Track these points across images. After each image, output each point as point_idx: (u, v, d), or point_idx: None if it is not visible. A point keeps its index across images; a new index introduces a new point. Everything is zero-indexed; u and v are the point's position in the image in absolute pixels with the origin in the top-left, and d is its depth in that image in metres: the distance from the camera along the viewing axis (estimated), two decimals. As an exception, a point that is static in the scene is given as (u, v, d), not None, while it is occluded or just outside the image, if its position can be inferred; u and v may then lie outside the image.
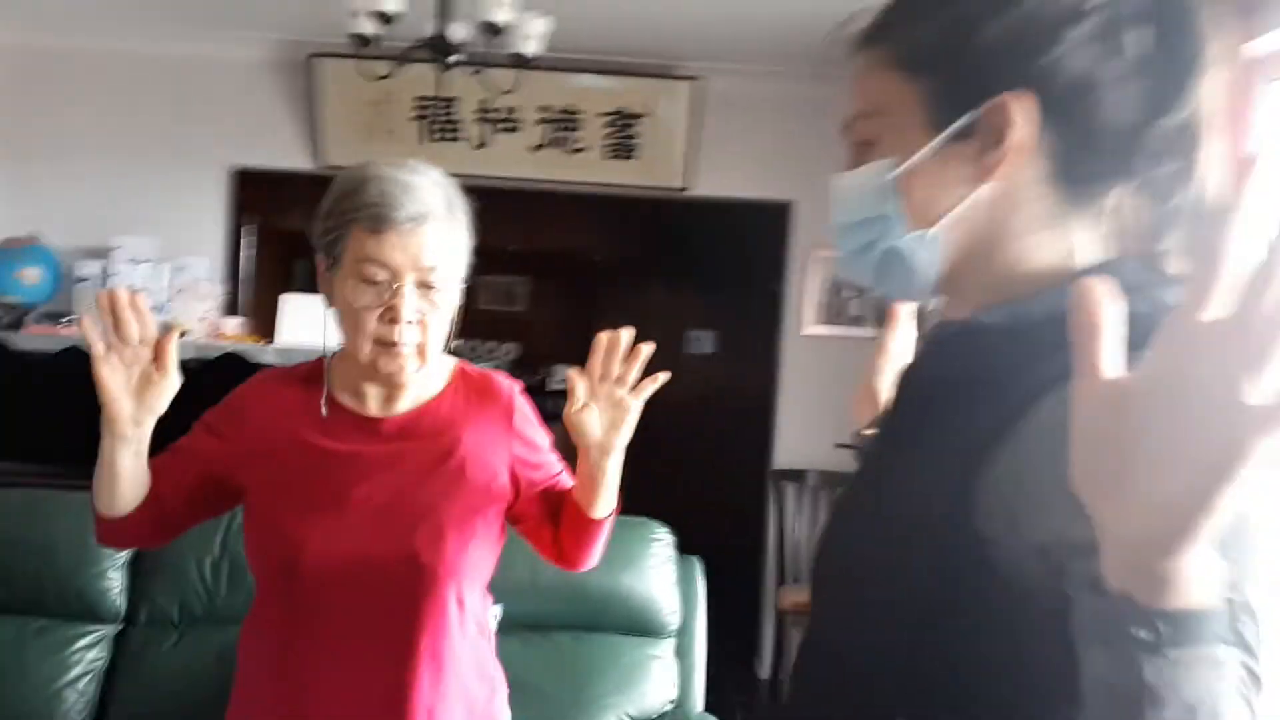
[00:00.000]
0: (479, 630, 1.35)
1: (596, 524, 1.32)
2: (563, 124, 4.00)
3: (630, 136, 4.00)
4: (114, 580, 2.12)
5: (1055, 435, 0.53)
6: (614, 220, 5.56)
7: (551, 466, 1.41)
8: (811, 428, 4.01)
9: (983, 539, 0.61)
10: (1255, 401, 0.42)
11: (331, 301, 1.30)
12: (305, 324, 3.69)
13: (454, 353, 1.38)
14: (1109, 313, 0.47)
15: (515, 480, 1.35)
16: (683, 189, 4.04)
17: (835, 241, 0.77)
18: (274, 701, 1.28)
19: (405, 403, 1.32)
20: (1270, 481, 0.45)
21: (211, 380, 3.05)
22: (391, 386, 1.30)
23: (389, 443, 1.30)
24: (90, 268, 3.59)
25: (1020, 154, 0.68)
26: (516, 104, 3.83)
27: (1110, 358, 0.47)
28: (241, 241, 4.26)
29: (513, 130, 3.99)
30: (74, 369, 3.04)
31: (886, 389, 1.13)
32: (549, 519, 1.38)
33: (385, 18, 2.54)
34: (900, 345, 1.18)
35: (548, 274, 6.54)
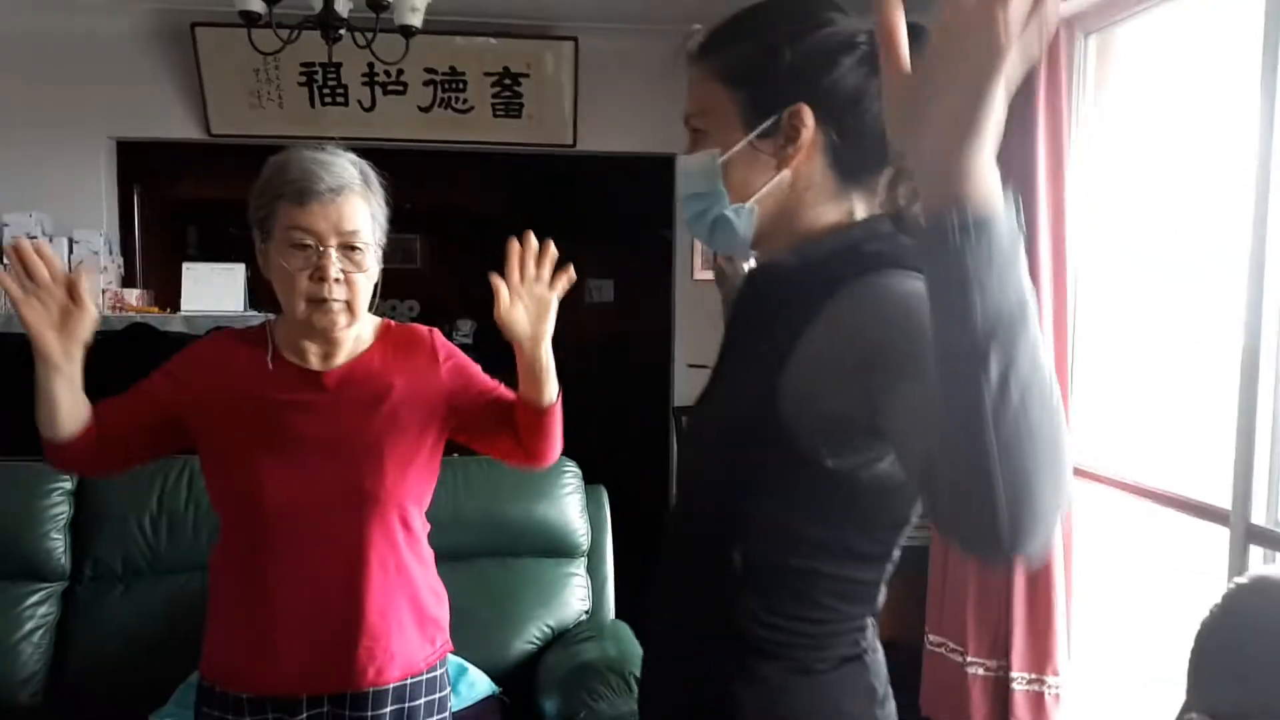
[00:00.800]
0: (421, 547, 1.55)
1: (548, 412, 1.51)
2: (449, 84, 4.11)
3: (517, 95, 4.14)
4: (57, 540, 2.25)
5: (831, 327, 0.81)
6: (506, 177, 5.68)
7: (486, 381, 1.60)
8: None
9: (781, 416, 0.86)
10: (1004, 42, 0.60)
11: (267, 271, 1.47)
12: (208, 291, 3.76)
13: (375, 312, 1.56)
14: (898, 19, 0.66)
15: (452, 407, 1.54)
16: (571, 145, 4.20)
17: (683, 208, 1.01)
18: (246, 617, 1.46)
19: (342, 357, 1.50)
20: None
21: (122, 350, 3.15)
22: (328, 343, 1.48)
23: (331, 391, 1.48)
24: (-11, 238, 3.58)
25: (810, 148, 0.93)
26: (402, 66, 3.93)
27: (904, 51, 0.66)
28: (135, 214, 4.27)
29: (400, 93, 4.09)
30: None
31: None
32: (503, 428, 1.55)
33: (272, -1, 2.63)
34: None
35: (444, 231, 6.61)
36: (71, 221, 3.82)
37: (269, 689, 1.45)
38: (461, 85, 4.10)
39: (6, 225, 3.63)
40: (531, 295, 1.46)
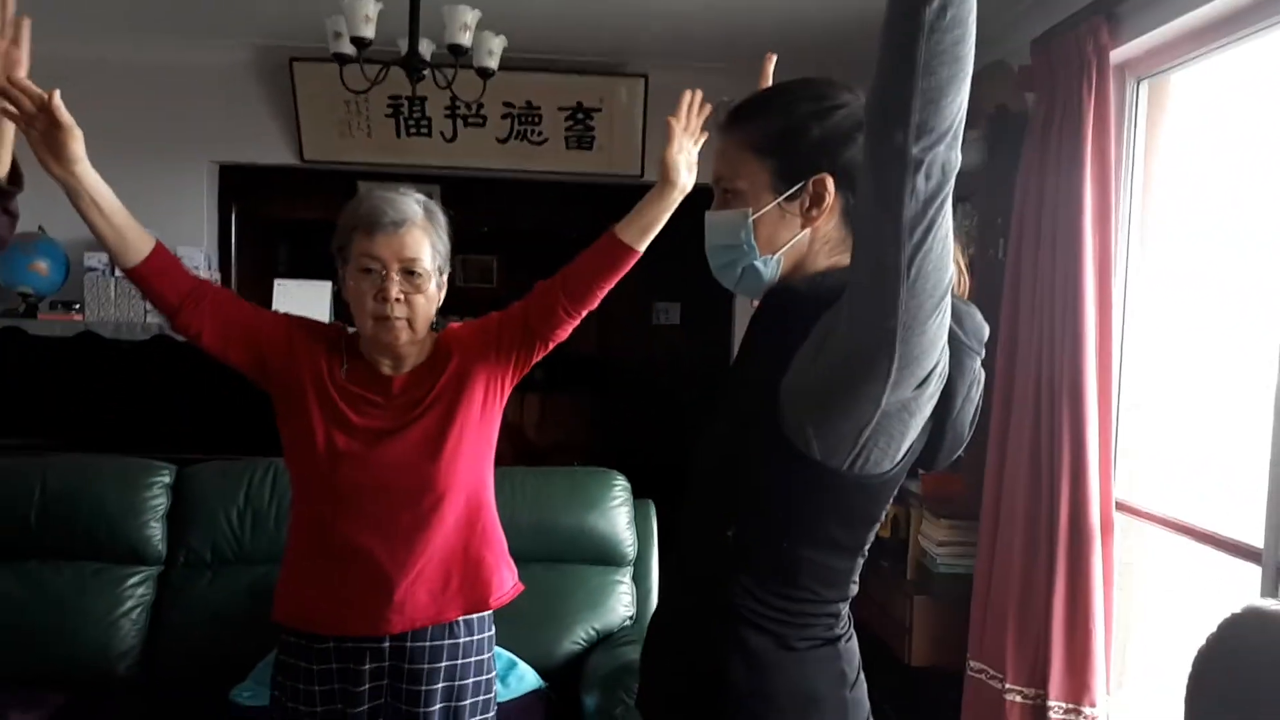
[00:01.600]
0: (481, 501, 1.75)
1: (633, 254, 1.74)
2: (525, 118, 4.33)
3: (589, 129, 4.34)
4: (155, 529, 2.49)
5: (812, 347, 1.00)
6: (578, 202, 5.89)
7: (498, 314, 1.80)
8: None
9: (781, 412, 1.03)
10: None
11: (346, 294, 1.68)
12: (296, 305, 4.00)
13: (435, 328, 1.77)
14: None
15: (493, 350, 1.74)
16: (640, 175, 4.38)
17: (710, 257, 1.17)
18: (320, 563, 1.68)
19: (408, 366, 1.71)
20: None
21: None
22: (395, 357, 1.68)
23: (400, 394, 1.69)
24: (96, 259, 3.89)
25: (829, 211, 1.08)
26: (482, 100, 4.15)
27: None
28: (232, 232, 4.58)
29: (480, 125, 4.31)
30: (86, 352, 3.38)
31: None
32: (553, 292, 1.76)
33: (363, 42, 2.86)
34: None
35: (518, 253, 6.84)
36: (175, 239, 4.10)
37: (332, 629, 1.66)
38: (537, 119, 4.31)
39: (118, 241, 3.93)
40: (686, 149, 1.70)
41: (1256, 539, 2.30)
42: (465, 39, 2.87)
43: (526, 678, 2.33)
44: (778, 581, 1.08)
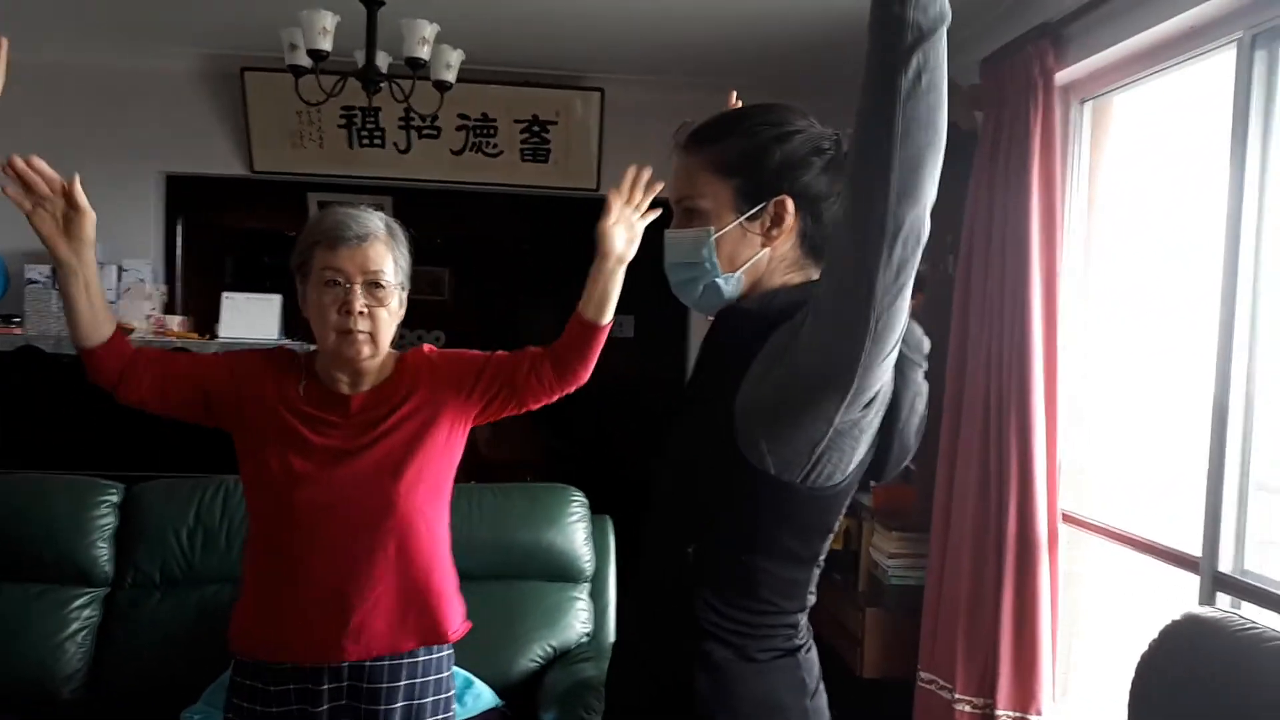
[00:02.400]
0: (434, 544, 1.74)
1: (601, 330, 1.73)
2: (481, 130, 4.32)
3: (544, 141, 4.34)
4: (103, 549, 2.44)
5: (765, 364, 1.02)
6: (532, 215, 5.88)
7: (482, 357, 1.79)
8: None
9: (735, 432, 1.05)
10: None
11: (305, 310, 1.67)
12: (244, 319, 3.96)
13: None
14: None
15: (466, 396, 1.73)
16: (595, 189, 4.39)
17: (669, 274, 1.18)
18: (272, 597, 1.66)
19: (368, 384, 1.69)
20: None
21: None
22: (356, 372, 1.67)
23: (355, 413, 1.67)
24: (37, 270, 3.80)
25: (788, 232, 1.10)
26: (437, 113, 4.13)
27: None
28: (179, 244, 4.50)
29: (435, 137, 4.30)
30: (27, 366, 3.31)
31: None
32: (524, 371, 1.74)
33: (319, 55, 2.83)
34: None
35: (471, 266, 6.82)
36: (121, 250, 4.03)
37: (289, 657, 1.64)
38: (492, 131, 4.30)
39: (61, 252, 3.84)
40: (627, 220, 1.69)
41: (1195, 548, 2.37)
42: (424, 52, 2.87)
43: (483, 696, 2.32)
44: (738, 594, 1.10)
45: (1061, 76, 2.87)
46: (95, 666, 2.37)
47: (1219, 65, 2.43)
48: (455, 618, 1.75)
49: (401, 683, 1.67)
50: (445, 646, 1.75)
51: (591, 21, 3.53)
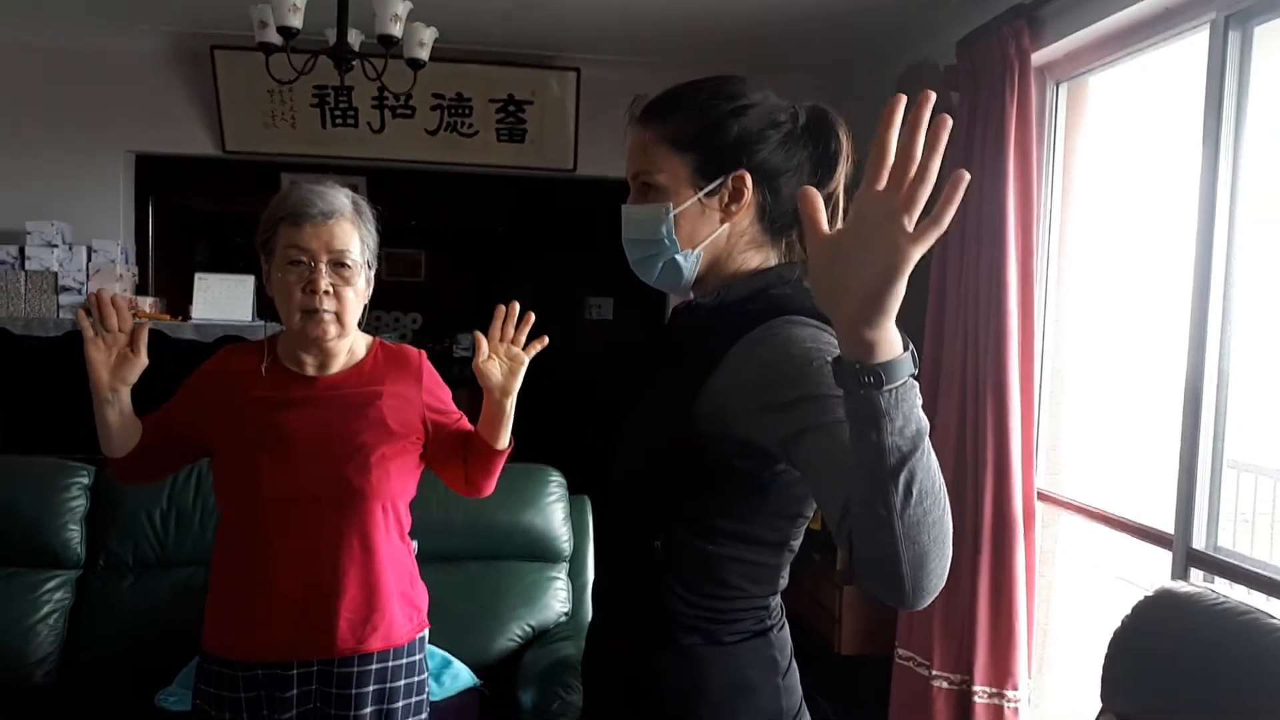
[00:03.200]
0: (401, 536, 1.72)
1: (499, 455, 1.72)
2: (456, 109, 4.28)
3: (520, 121, 4.31)
4: (74, 532, 2.40)
5: (740, 364, 0.99)
6: (509, 197, 5.85)
7: (454, 414, 1.79)
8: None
9: (698, 434, 1.04)
10: (909, 227, 0.75)
11: (270, 289, 1.64)
12: (217, 300, 3.92)
13: (366, 328, 1.74)
14: (820, 201, 0.81)
15: (426, 426, 1.72)
16: (572, 170, 4.37)
17: (627, 250, 1.17)
18: (242, 593, 1.63)
19: (336, 367, 1.67)
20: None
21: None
22: (323, 353, 1.65)
23: (322, 393, 1.65)
24: (6, 251, 3.74)
25: (747, 207, 1.09)
26: (411, 92, 4.09)
27: (824, 225, 0.81)
28: (150, 224, 4.44)
29: (409, 116, 4.25)
30: (-2, 349, 3.25)
31: None
32: (457, 457, 1.74)
33: (290, 32, 2.79)
34: None
35: (447, 248, 6.77)
36: (90, 231, 3.98)
37: (261, 656, 1.61)
38: (468, 110, 4.26)
39: (29, 234, 3.79)
40: (508, 354, 1.66)
41: (1169, 526, 2.40)
42: (396, 30, 2.83)
43: (461, 676, 2.32)
44: (708, 584, 1.09)
45: (1037, 57, 2.87)
46: (67, 650, 2.34)
47: (1193, 46, 2.45)
48: (412, 619, 1.72)
49: (373, 666, 1.65)
50: (419, 646, 1.74)
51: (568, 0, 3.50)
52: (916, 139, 0.73)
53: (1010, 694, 2.93)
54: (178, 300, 4.09)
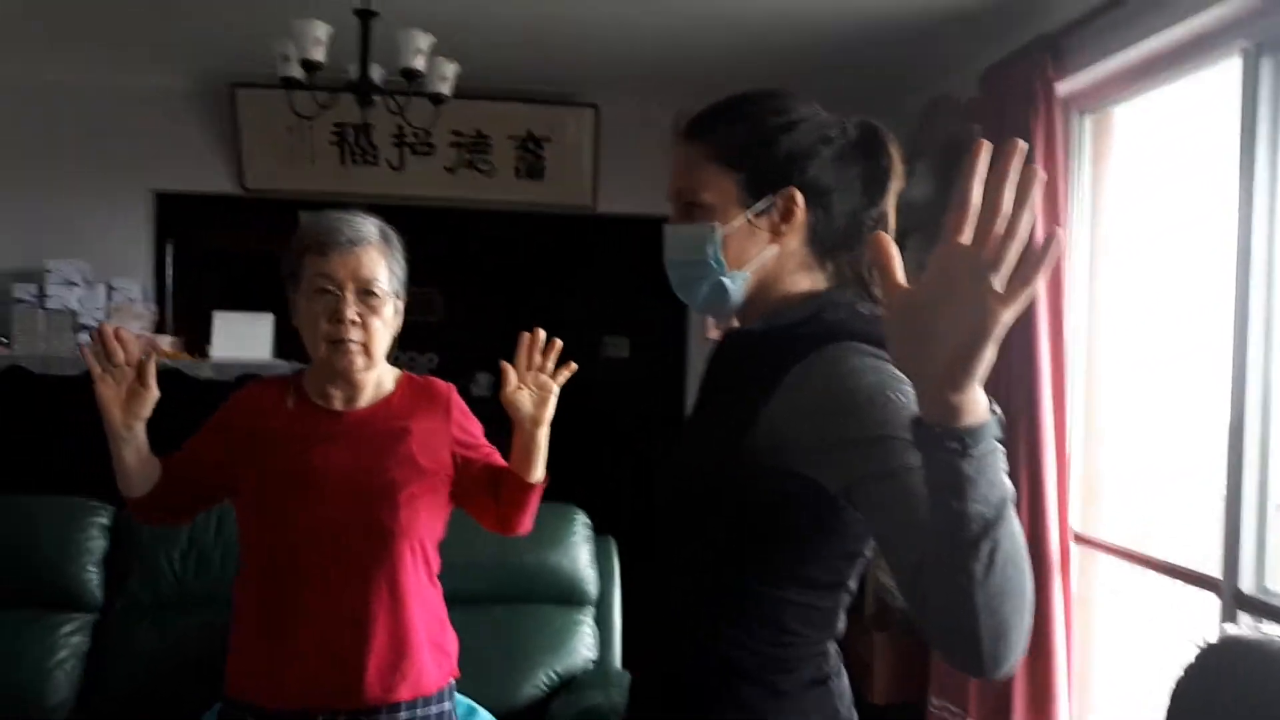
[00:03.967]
0: (430, 578, 1.65)
1: (533, 490, 1.64)
2: (475, 147, 4.28)
3: (539, 158, 4.30)
4: (92, 574, 2.35)
5: (796, 394, 0.95)
6: (527, 235, 5.83)
7: (484, 447, 1.72)
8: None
9: (752, 467, 0.99)
10: (998, 287, 0.70)
11: (296, 321, 1.60)
12: (236, 339, 3.88)
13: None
14: (894, 249, 0.76)
15: (456, 461, 1.66)
16: (591, 207, 4.35)
17: (670, 273, 1.12)
18: (266, 637, 1.57)
19: (363, 401, 1.62)
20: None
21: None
22: (350, 385, 1.60)
23: (351, 430, 1.60)
24: (26, 290, 3.73)
25: (798, 227, 1.04)
26: (430, 129, 4.10)
27: (900, 275, 0.76)
28: (167, 262, 4.43)
29: (428, 154, 4.25)
30: (14, 387, 3.23)
31: None
32: (488, 493, 1.68)
33: (313, 65, 2.79)
34: None
35: (465, 286, 6.74)
36: (110, 269, 3.97)
37: (285, 702, 1.55)
38: (487, 148, 4.27)
39: (49, 271, 3.78)
40: (536, 382, 1.60)
41: (1214, 568, 2.32)
42: (419, 63, 2.82)
43: (490, 727, 2.25)
44: (765, 628, 1.03)
45: (1062, 88, 2.84)
46: (85, 694, 2.28)
47: (1222, 75, 2.41)
48: (442, 666, 1.66)
49: (401, 716, 1.59)
50: (449, 694, 1.67)
51: (586, 37, 3.50)
52: (1004, 190, 0.68)
53: (1048, 744, 2.83)
54: (196, 339, 4.07)
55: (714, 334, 4.44)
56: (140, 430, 1.50)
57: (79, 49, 3.79)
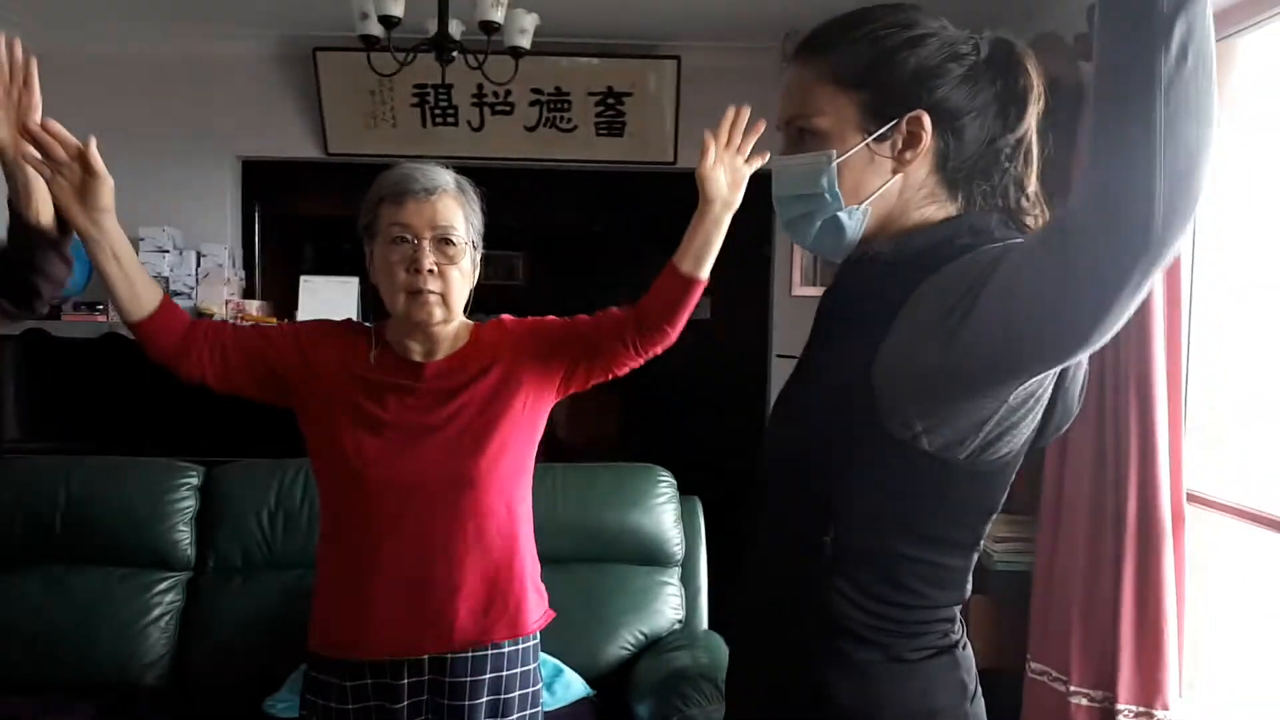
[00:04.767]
0: (516, 524, 1.61)
1: (696, 285, 1.59)
2: (555, 104, 4.22)
3: (619, 114, 4.22)
4: (184, 533, 2.39)
5: (918, 305, 0.86)
6: (608, 194, 5.77)
7: (560, 320, 1.66)
8: (801, 382, 4.27)
9: (875, 404, 0.89)
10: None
11: (373, 274, 1.56)
12: (323, 303, 3.92)
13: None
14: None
15: (550, 354, 1.61)
16: (672, 162, 4.26)
17: (778, 210, 1.03)
18: (349, 588, 1.56)
19: (442, 352, 1.58)
20: None
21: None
22: (429, 339, 1.56)
23: (430, 380, 1.57)
24: (119, 258, 3.80)
25: (924, 154, 0.94)
26: (510, 87, 4.05)
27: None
28: (254, 228, 4.50)
29: (508, 113, 4.21)
30: (110, 353, 3.31)
31: None
32: (606, 341, 1.61)
33: (391, 21, 2.75)
34: None
35: (546, 249, 6.73)
36: (199, 235, 4.04)
37: (371, 653, 1.54)
38: (566, 105, 4.20)
39: (142, 240, 3.86)
40: (730, 164, 1.55)
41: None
42: (498, 15, 2.76)
43: (573, 686, 2.22)
44: (885, 587, 0.94)
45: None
46: (178, 652, 2.33)
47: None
48: (538, 607, 1.64)
49: (486, 675, 1.56)
50: (531, 636, 1.64)
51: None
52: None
53: (1160, 713, 2.68)
54: (284, 304, 4.13)
55: (800, 291, 4.32)
56: (110, 226, 1.41)
57: (163, 19, 3.84)
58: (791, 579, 1.00)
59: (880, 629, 0.95)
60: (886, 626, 0.95)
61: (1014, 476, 0.96)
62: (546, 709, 1.93)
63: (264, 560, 2.40)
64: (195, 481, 2.44)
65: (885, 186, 0.97)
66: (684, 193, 5.32)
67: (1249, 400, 2.68)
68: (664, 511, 2.47)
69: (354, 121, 4.20)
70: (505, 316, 1.67)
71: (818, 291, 4.36)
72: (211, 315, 3.67)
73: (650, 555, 2.45)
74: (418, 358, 1.58)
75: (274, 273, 4.94)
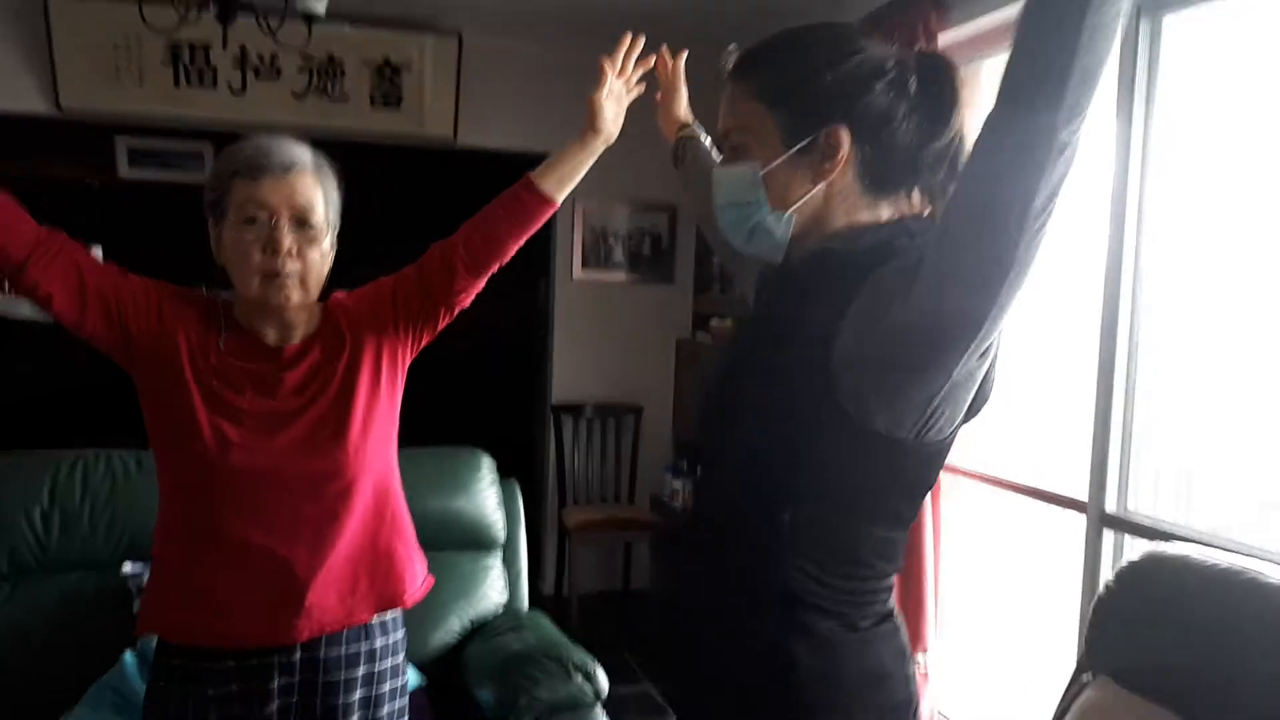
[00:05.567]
0: (388, 488, 1.56)
1: (550, 205, 1.55)
2: (326, 72, 4.01)
3: (395, 86, 4.08)
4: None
5: (868, 311, 0.94)
6: (383, 171, 5.54)
7: (389, 279, 1.60)
8: (587, 365, 4.36)
9: (832, 384, 0.96)
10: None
11: (219, 255, 1.45)
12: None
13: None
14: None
15: (402, 310, 1.55)
16: (452, 139, 4.18)
17: (718, 216, 1.09)
18: (196, 576, 1.45)
19: (298, 337, 1.50)
20: None
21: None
22: (283, 324, 1.47)
23: (289, 365, 1.48)
24: None
25: (844, 164, 1.02)
26: (277, 51, 3.79)
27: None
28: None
29: (274, 78, 3.95)
30: None
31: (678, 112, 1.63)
32: (431, 271, 1.56)
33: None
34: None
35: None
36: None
37: (235, 643, 1.45)
38: (339, 73, 4.01)
39: None
40: (616, 94, 1.56)
41: (1079, 492, 2.52)
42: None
43: (410, 677, 2.16)
44: (841, 561, 1.02)
45: (944, 39, 2.93)
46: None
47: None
48: (414, 576, 1.60)
49: (360, 671, 1.51)
50: (400, 626, 1.60)
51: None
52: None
53: (920, 657, 3.02)
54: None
55: (581, 276, 4.38)
56: None
57: None
58: (748, 558, 1.06)
59: (838, 599, 1.03)
60: (843, 598, 1.03)
61: (946, 458, 1.07)
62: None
63: (37, 564, 2.13)
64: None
65: (809, 196, 1.04)
66: (461, 170, 5.23)
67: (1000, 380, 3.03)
68: (486, 496, 2.45)
69: (95, 76, 3.77)
70: (338, 293, 1.60)
71: (596, 275, 4.47)
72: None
73: (474, 540, 2.42)
74: (272, 341, 1.49)
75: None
